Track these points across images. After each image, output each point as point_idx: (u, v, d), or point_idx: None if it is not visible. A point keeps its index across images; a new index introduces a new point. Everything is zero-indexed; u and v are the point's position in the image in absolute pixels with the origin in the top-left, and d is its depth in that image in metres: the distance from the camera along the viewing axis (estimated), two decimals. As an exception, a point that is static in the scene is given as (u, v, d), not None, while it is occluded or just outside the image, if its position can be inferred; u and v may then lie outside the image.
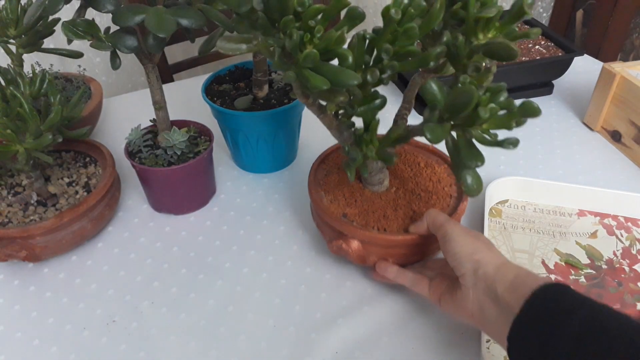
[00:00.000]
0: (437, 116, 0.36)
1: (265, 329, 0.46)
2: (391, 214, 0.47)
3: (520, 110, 0.33)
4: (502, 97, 0.34)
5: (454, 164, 0.37)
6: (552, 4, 1.71)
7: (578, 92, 0.79)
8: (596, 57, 0.88)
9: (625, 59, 1.57)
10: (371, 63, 0.38)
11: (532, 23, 0.83)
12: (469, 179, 0.37)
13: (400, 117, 0.46)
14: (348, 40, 0.35)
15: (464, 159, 0.36)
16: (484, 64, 0.37)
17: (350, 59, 0.33)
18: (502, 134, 0.35)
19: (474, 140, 0.36)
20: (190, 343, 0.45)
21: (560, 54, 0.75)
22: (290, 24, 0.32)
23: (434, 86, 0.37)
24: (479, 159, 0.35)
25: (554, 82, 0.79)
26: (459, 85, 0.35)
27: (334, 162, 0.55)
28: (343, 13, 0.35)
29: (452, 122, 0.35)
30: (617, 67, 0.67)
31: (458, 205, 0.48)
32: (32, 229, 0.49)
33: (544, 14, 1.74)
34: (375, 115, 0.41)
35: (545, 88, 0.78)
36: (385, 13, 0.36)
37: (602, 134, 0.71)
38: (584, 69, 0.83)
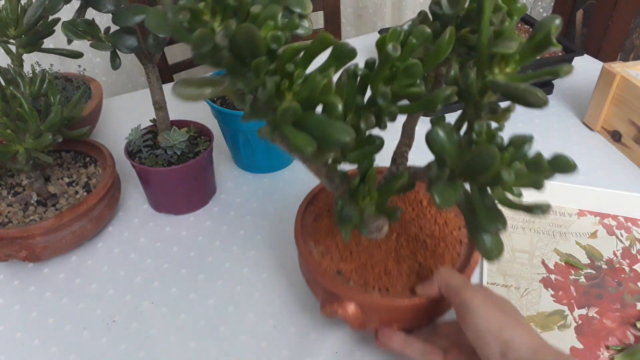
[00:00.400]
0: (448, 174, 0.29)
1: (266, 329, 0.46)
2: (393, 269, 0.41)
3: (552, 166, 0.27)
4: (528, 148, 0.28)
5: (468, 225, 0.31)
6: (552, 4, 1.71)
7: (578, 92, 0.79)
8: (596, 57, 0.88)
9: (625, 59, 1.57)
10: (364, 103, 0.31)
11: (532, 22, 0.83)
12: (488, 243, 0.30)
13: (399, 154, 0.39)
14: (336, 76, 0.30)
15: (481, 222, 0.29)
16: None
17: (340, 107, 0.26)
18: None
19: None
20: (190, 343, 0.45)
21: (560, 53, 0.75)
22: (262, 67, 0.25)
23: (441, 134, 0.29)
24: (500, 221, 0.28)
25: (553, 82, 0.79)
26: (474, 135, 0.29)
27: (324, 203, 0.47)
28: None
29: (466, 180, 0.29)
30: (617, 67, 0.67)
31: (471, 256, 0.41)
32: (32, 229, 0.49)
33: (544, 14, 1.74)
34: (373, 161, 0.34)
35: (545, 88, 0.78)
36: (381, 47, 0.29)
37: (602, 134, 0.71)
38: (584, 69, 0.83)
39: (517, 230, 0.56)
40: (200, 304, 0.49)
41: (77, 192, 0.55)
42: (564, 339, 0.45)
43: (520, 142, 0.28)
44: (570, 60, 0.74)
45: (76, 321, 0.48)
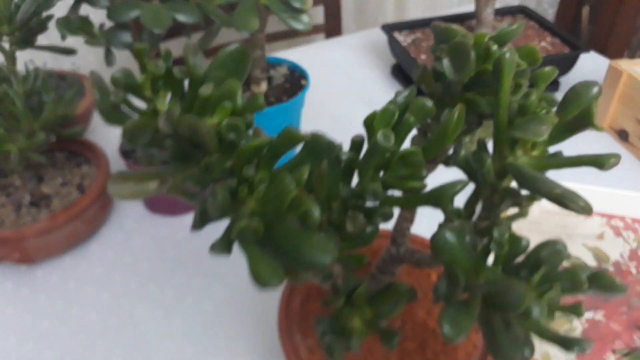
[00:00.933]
0: (460, 294, 0.23)
1: (264, 333, 0.45)
2: None
3: (592, 284, 0.22)
4: (561, 262, 0.22)
5: (486, 341, 0.24)
6: (559, 0, 1.69)
7: (584, 89, 0.78)
8: (603, 54, 0.87)
9: (632, 56, 1.55)
10: (351, 193, 0.24)
11: (535, 16, 0.81)
12: None
13: (400, 232, 0.32)
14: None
15: (503, 348, 0.23)
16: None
17: (317, 214, 0.20)
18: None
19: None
20: (186, 348, 0.44)
21: (566, 50, 0.73)
22: (213, 167, 0.20)
23: (450, 239, 0.23)
24: (528, 347, 0.22)
25: (559, 79, 0.78)
26: (493, 246, 0.22)
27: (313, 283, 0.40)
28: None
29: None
30: (624, 64, 0.65)
31: None
32: (25, 231, 0.48)
33: (550, 10, 1.72)
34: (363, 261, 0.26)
35: (551, 85, 0.77)
36: (369, 128, 0.23)
37: (609, 132, 0.69)
38: (591, 66, 0.81)
39: (522, 231, 0.55)
40: (196, 308, 0.48)
41: (70, 193, 0.53)
42: (570, 345, 0.44)
43: (554, 259, 0.22)
44: (577, 57, 0.73)
45: (70, 325, 0.47)
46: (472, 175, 0.25)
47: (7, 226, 0.49)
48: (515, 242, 0.23)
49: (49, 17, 0.53)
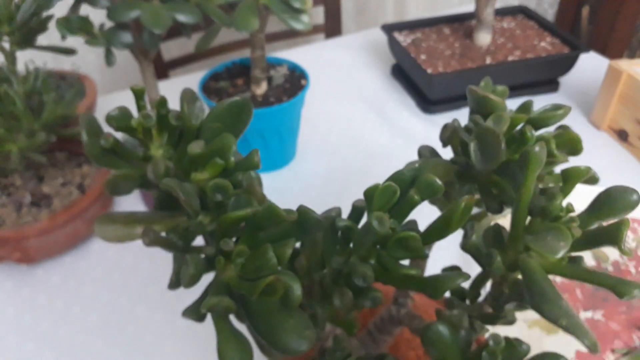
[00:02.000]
0: None
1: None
2: None
3: None
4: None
5: None
6: (559, 0, 1.69)
7: (584, 90, 0.78)
8: (602, 54, 0.87)
9: (631, 56, 1.55)
10: (344, 263, 0.23)
11: (535, 16, 0.81)
12: None
13: (403, 293, 0.29)
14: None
15: None
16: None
17: (298, 293, 0.19)
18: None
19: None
20: (186, 348, 0.45)
21: (565, 51, 0.73)
22: (195, 230, 0.19)
23: (442, 332, 0.21)
24: None
25: (559, 79, 0.78)
26: (485, 355, 0.21)
27: None
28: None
29: None
30: (624, 64, 0.65)
31: None
32: (25, 230, 0.48)
33: (550, 10, 1.72)
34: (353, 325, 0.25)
35: (551, 86, 0.77)
36: (369, 200, 0.21)
37: (609, 133, 0.69)
38: (591, 66, 0.81)
39: (521, 231, 0.55)
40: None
41: (71, 193, 0.54)
42: (570, 343, 0.44)
43: None
44: (576, 57, 0.73)
45: (70, 325, 0.47)
46: (480, 263, 0.24)
47: (8, 226, 0.49)
48: (512, 348, 0.21)
49: (49, 17, 0.53)
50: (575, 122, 0.72)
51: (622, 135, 0.67)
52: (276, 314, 0.19)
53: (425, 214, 0.24)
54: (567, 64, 0.73)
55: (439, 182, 0.21)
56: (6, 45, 0.53)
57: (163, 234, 0.20)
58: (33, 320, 0.47)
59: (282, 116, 0.59)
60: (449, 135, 0.27)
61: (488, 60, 0.72)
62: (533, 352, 0.46)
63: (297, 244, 0.23)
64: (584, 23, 1.64)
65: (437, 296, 0.21)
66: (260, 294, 0.18)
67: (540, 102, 0.77)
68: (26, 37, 0.53)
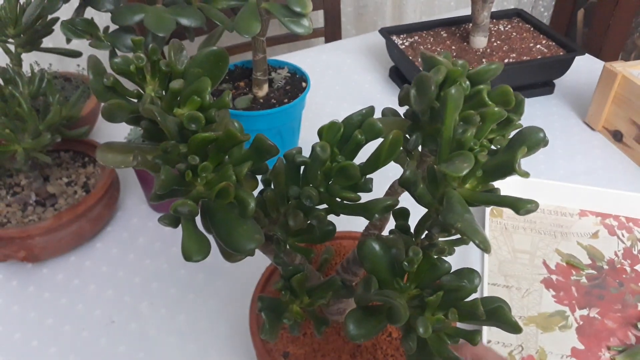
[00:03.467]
0: (371, 300, 0.25)
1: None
2: None
3: (490, 317, 0.24)
4: (467, 293, 0.25)
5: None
6: (553, 3, 1.71)
7: (579, 91, 0.79)
8: (597, 57, 0.88)
9: (626, 59, 1.56)
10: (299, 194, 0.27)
11: (530, 19, 0.83)
12: None
13: (365, 238, 0.33)
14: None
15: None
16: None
17: (252, 205, 0.23)
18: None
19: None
20: (189, 344, 0.45)
21: (561, 53, 0.75)
22: (171, 152, 0.23)
23: (374, 248, 0.26)
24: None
25: (555, 81, 0.79)
26: (405, 263, 0.25)
27: None
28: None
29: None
30: (619, 66, 0.66)
31: None
32: (31, 229, 0.48)
33: (545, 13, 1.73)
34: (310, 255, 0.30)
35: (546, 87, 0.78)
36: (319, 136, 0.26)
37: (604, 133, 0.70)
38: (586, 68, 0.83)
39: (518, 230, 0.56)
40: (199, 305, 0.49)
41: (75, 192, 0.54)
42: (565, 340, 0.45)
43: (459, 288, 0.24)
44: (572, 60, 0.74)
45: (75, 322, 0.47)
46: (411, 194, 0.27)
47: (13, 225, 0.50)
48: (433, 264, 0.26)
49: (54, 20, 0.54)
50: (570, 123, 0.73)
51: (616, 136, 0.68)
52: (233, 222, 0.23)
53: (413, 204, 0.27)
54: (562, 66, 0.75)
55: (379, 124, 0.25)
56: (12, 47, 0.54)
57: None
58: (38, 318, 0.48)
59: (283, 118, 0.60)
60: (403, 94, 0.30)
61: (484, 63, 0.73)
62: (531, 349, 0.46)
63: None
64: (579, 26, 1.66)
65: (370, 217, 0.26)
66: (216, 197, 0.22)
67: (536, 103, 0.78)
68: (31, 39, 0.54)
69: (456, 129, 0.24)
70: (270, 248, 0.30)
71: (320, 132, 0.26)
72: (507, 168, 0.23)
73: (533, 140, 0.24)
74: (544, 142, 0.24)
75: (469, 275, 0.26)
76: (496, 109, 0.25)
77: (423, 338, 0.24)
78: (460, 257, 0.53)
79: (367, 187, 0.26)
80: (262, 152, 0.25)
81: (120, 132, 0.72)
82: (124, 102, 0.24)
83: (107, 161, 0.23)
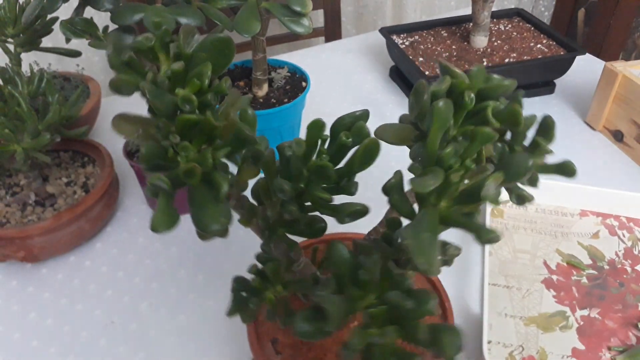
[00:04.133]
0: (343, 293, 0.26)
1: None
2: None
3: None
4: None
5: None
6: (554, 2, 1.71)
7: (580, 91, 0.79)
8: (598, 56, 0.88)
9: (627, 58, 1.56)
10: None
11: (531, 19, 0.83)
12: None
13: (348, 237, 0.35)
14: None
15: None
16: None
17: (225, 188, 0.24)
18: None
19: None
20: (189, 344, 0.45)
21: (561, 53, 0.74)
22: (164, 128, 0.24)
23: (342, 251, 0.26)
24: None
25: (555, 81, 0.79)
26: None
27: None
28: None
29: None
30: (619, 66, 0.66)
31: None
32: (30, 230, 0.48)
33: (546, 13, 1.73)
34: (294, 247, 0.31)
35: (547, 87, 0.78)
36: (308, 130, 0.26)
37: (604, 133, 0.70)
38: (586, 68, 0.82)
39: (518, 230, 0.56)
40: (199, 305, 0.48)
41: (75, 192, 0.54)
42: (566, 340, 0.45)
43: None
44: (572, 59, 0.74)
45: (75, 322, 0.47)
46: (390, 202, 0.28)
47: (12, 225, 0.50)
48: (392, 278, 0.26)
49: (54, 20, 0.54)
50: (570, 122, 0.73)
51: (617, 136, 0.68)
52: (206, 202, 0.24)
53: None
54: (563, 66, 0.74)
55: (367, 128, 0.26)
56: (11, 47, 0.54)
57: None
58: (37, 318, 0.48)
59: (283, 117, 0.60)
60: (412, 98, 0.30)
61: (485, 63, 0.73)
62: (531, 349, 0.46)
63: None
64: (579, 25, 1.66)
65: (340, 219, 0.27)
66: (184, 176, 0.24)
67: (537, 103, 0.78)
68: (31, 39, 0.54)
69: (442, 144, 0.23)
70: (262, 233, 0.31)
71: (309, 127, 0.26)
72: (476, 194, 0.22)
73: (517, 169, 0.23)
74: (530, 172, 0.23)
75: (421, 296, 0.25)
76: (486, 129, 0.24)
77: (365, 352, 0.25)
78: (461, 257, 0.52)
79: (350, 190, 0.26)
80: (241, 141, 0.26)
81: (120, 131, 0.71)
82: (131, 77, 0.26)
83: (122, 131, 0.25)
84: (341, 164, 0.28)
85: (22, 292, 0.50)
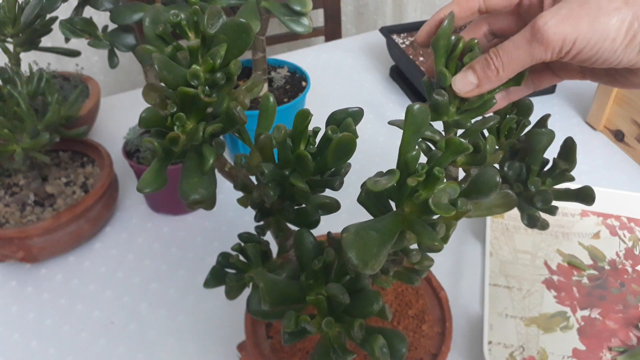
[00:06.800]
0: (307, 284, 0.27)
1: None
2: None
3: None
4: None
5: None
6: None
7: (580, 91, 0.79)
8: (598, 56, 0.88)
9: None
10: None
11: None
12: None
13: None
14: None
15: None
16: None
17: (211, 161, 0.25)
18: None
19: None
20: (189, 345, 0.45)
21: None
22: (171, 98, 0.26)
23: (308, 239, 0.28)
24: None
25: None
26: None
27: None
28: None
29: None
30: (620, 65, 0.66)
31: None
32: (29, 230, 0.48)
33: (546, 13, 1.73)
34: (287, 231, 0.32)
35: (548, 87, 0.78)
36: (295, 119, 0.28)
37: (605, 133, 0.70)
38: (587, 67, 0.82)
39: (519, 231, 0.56)
40: (198, 306, 0.48)
41: (74, 192, 0.54)
42: (567, 341, 0.45)
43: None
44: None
45: (74, 323, 0.47)
46: (368, 211, 0.28)
47: (12, 225, 0.50)
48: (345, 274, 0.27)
49: (53, 19, 0.54)
50: (571, 122, 0.73)
51: (618, 136, 0.68)
52: (191, 173, 0.26)
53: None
54: (563, 65, 0.74)
55: (353, 125, 0.28)
56: (10, 46, 0.54)
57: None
58: (37, 318, 0.48)
59: (283, 117, 0.60)
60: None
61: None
62: (532, 350, 0.46)
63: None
64: (581, 26, 1.65)
65: (312, 210, 0.29)
66: (168, 142, 0.25)
67: (537, 103, 0.77)
68: (30, 38, 0.54)
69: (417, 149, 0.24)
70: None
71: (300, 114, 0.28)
72: (428, 206, 0.22)
73: (486, 184, 0.23)
74: (497, 187, 0.23)
75: (368, 296, 0.25)
76: (462, 140, 0.23)
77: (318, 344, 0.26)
78: (461, 258, 0.52)
79: (331, 185, 0.28)
80: (231, 121, 0.27)
81: (120, 132, 0.72)
82: (153, 49, 0.28)
83: (146, 97, 0.27)
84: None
85: (21, 292, 0.50)
